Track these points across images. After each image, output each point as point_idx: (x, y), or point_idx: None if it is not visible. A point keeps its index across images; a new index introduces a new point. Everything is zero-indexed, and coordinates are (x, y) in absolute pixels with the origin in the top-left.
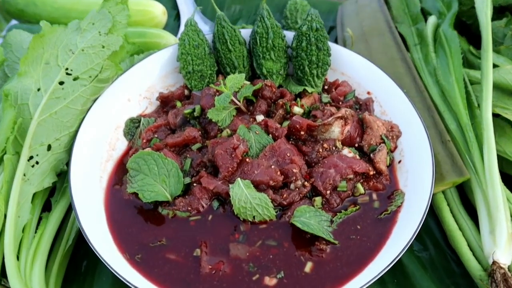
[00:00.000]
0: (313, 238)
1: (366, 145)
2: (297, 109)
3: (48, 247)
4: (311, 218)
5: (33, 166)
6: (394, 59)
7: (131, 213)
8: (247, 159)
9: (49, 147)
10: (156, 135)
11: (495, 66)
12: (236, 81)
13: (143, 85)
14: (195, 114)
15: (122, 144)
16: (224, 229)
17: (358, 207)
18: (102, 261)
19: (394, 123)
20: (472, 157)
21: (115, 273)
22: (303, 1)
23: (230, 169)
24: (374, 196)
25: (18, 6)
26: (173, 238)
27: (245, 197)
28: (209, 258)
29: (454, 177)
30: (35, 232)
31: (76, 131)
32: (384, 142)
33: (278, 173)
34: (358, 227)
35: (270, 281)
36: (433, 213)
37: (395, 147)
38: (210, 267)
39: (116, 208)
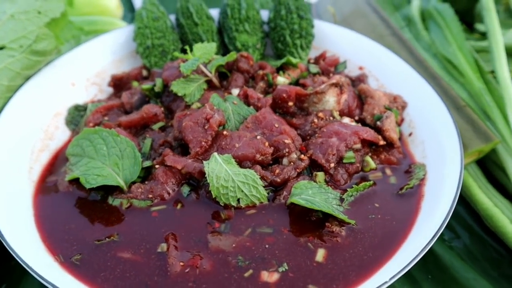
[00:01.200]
0: (319, 221)
1: (368, 116)
2: (281, 79)
3: None
4: (315, 195)
5: None
6: (383, 36)
7: (69, 208)
8: (225, 132)
9: None
10: (106, 118)
11: None
12: (206, 50)
13: (92, 68)
14: (156, 89)
15: (62, 134)
16: (198, 220)
17: (371, 182)
18: (23, 265)
19: (397, 94)
20: (494, 123)
21: (41, 280)
22: None
23: (203, 143)
24: (388, 171)
25: None
26: (128, 233)
27: (226, 173)
28: (180, 253)
29: (480, 144)
30: None
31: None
32: (390, 110)
33: (266, 144)
34: (376, 205)
35: (269, 276)
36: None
37: (402, 120)
38: (181, 264)
39: (49, 202)
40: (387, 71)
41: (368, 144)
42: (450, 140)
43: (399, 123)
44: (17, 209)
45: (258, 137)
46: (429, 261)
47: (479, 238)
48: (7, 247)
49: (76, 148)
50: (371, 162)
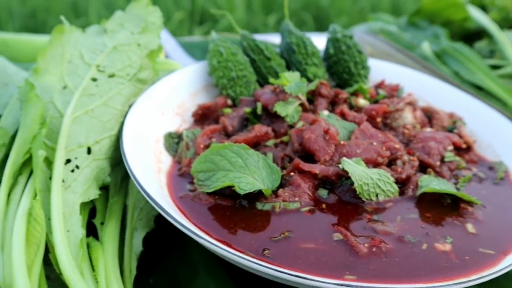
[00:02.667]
0: (450, 205)
1: (440, 129)
2: (362, 101)
3: (118, 273)
4: (440, 185)
5: (72, 171)
6: (414, 69)
7: (223, 215)
8: (342, 142)
9: (89, 150)
10: (214, 140)
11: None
12: (294, 77)
13: (175, 100)
14: (258, 112)
15: (166, 158)
16: (348, 214)
17: (471, 175)
18: (239, 259)
19: (451, 111)
20: None
21: (260, 267)
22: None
23: (329, 151)
24: (474, 169)
25: None
26: (295, 229)
27: (364, 173)
28: (357, 239)
29: None
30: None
31: (117, 136)
32: (457, 121)
33: (384, 148)
34: (484, 192)
35: (443, 246)
36: None
37: None
38: (366, 245)
39: (200, 214)
40: (434, 94)
41: (454, 148)
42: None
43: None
44: (184, 221)
45: (374, 143)
46: None
47: None
48: (224, 252)
49: (205, 164)
50: (462, 161)
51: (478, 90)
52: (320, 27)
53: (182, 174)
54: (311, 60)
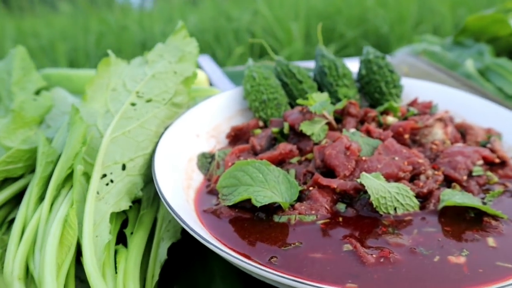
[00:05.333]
0: (474, 219)
1: (473, 144)
2: (391, 119)
3: (137, 278)
4: (463, 199)
5: (107, 184)
6: (454, 87)
7: (240, 227)
8: (363, 158)
9: (123, 167)
10: (242, 158)
11: None
12: (321, 98)
13: (210, 123)
14: (285, 131)
15: (198, 176)
16: (364, 227)
17: (501, 190)
18: (244, 264)
19: (489, 127)
20: None
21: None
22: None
23: (349, 167)
24: (509, 184)
25: (50, 81)
26: (307, 240)
27: (381, 187)
28: (367, 250)
29: None
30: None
31: (151, 155)
32: (491, 136)
33: (405, 163)
34: None
35: (457, 259)
36: None
37: None
38: (374, 256)
39: (219, 226)
40: (471, 110)
41: (486, 163)
42: None
43: None
44: (203, 232)
45: (396, 158)
46: None
47: None
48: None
49: (229, 180)
50: (494, 176)
51: None
52: None
53: (210, 191)
54: (342, 82)
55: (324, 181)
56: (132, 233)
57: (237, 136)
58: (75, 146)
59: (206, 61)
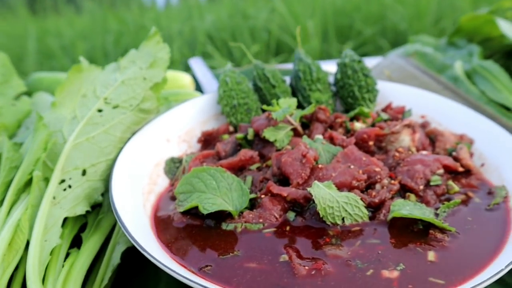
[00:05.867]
0: (421, 231)
1: (441, 151)
2: (358, 125)
3: (80, 279)
4: (413, 210)
5: (64, 189)
6: (437, 91)
7: (187, 234)
8: (320, 165)
9: (84, 172)
10: (205, 164)
11: None
12: (289, 104)
13: (183, 127)
14: (249, 137)
15: (163, 181)
16: (309, 237)
17: (459, 200)
18: (173, 275)
19: (463, 133)
20: None
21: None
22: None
23: (303, 175)
24: (471, 194)
25: (42, 85)
26: (248, 249)
27: (330, 196)
28: (302, 261)
29: None
30: (63, 265)
31: (114, 160)
32: (460, 143)
33: (360, 172)
34: (469, 218)
35: (390, 273)
36: None
37: (471, 154)
38: (306, 268)
39: (168, 232)
40: (448, 115)
41: (448, 172)
42: None
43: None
44: (149, 239)
45: (352, 166)
46: None
47: None
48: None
49: (185, 186)
50: (454, 186)
51: (507, 110)
52: None
53: (172, 196)
54: (315, 86)
55: (276, 189)
56: (88, 237)
57: (207, 141)
58: (37, 152)
59: (197, 63)
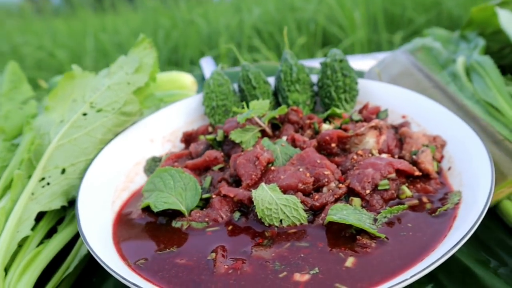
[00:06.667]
0: (353, 236)
1: (407, 154)
2: (325, 126)
3: (41, 266)
4: (349, 215)
5: (43, 187)
6: (426, 89)
7: (140, 230)
8: (272, 167)
9: (63, 171)
10: (177, 164)
11: None
12: (261, 106)
13: (168, 128)
14: (218, 139)
15: (141, 179)
16: (245, 237)
17: (405, 205)
18: (103, 265)
19: (437, 135)
20: None
21: (119, 278)
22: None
23: (253, 176)
24: (425, 199)
25: None
26: (185, 246)
27: (270, 198)
28: (227, 260)
29: None
30: None
31: (93, 158)
32: (426, 146)
33: (308, 175)
34: (409, 225)
35: (301, 277)
36: (505, 226)
37: (442, 157)
38: (226, 267)
39: (124, 226)
40: (427, 116)
41: (406, 176)
42: (483, 168)
43: (438, 160)
44: (100, 229)
45: (301, 169)
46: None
47: None
48: (92, 253)
49: (150, 185)
50: (407, 190)
51: (490, 107)
52: None
53: None
54: (294, 87)
55: (225, 190)
56: (63, 228)
57: (187, 141)
58: (22, 153)
59: (207, 63)
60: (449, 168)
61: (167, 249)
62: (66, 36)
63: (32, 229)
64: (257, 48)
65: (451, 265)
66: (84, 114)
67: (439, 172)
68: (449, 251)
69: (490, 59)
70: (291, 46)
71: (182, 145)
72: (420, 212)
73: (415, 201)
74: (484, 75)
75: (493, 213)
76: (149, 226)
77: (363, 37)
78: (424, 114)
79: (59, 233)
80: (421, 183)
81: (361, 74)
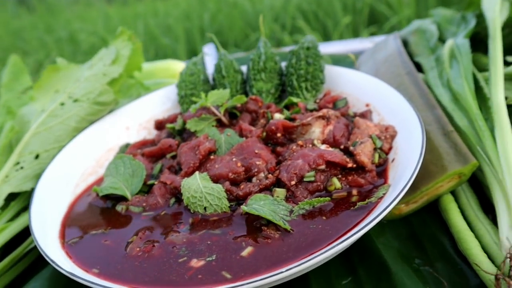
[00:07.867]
0: (261, 226)
1: (351, 145)
2: (277, 116)
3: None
4: (265, 206)
5: (17, 170)
6: (400, 75)
7: (89, 212)
8: (212, 156)
9: (37, 156)
10: (139, 151)
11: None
12: (220, 95)
13: (144, 116)
14: (177, 127)
15: None
16: (171, 223)
17: (327, 198)
18: (33, 238)
19: (390, 124)
20: (484, 146)
21: (42, 253)
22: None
23: (191, 164)
24: (354, 191)
25: None
26: (117, 228)
27: (197, 186)
28: (142, 243)
29: (458, 166)
30: None
31: (64, 145)
32: (368, 137)
33: (239, 164)
34: (324, 218)
35: (196, 263)
36: (443, 222)
37: (390, 148)
38: (138, 249)
39: (79, 208)
40: (386, 104)
41: (340, 168)
42: (411, 161)
43: (386, 151)
44: (56, 211)
45: (234, 159)
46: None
47: (454, 265)
48: (31, 231)
49: (107, 170)
50: (337, 182)
51: (455, 99)
52: None
53: None
54: (259, 76)
55: (163, 177)
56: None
57: (159, 129)
58: (2, 140)
59: (210, 50)
60: (393, 160)
61: (100, 230)
62: (118, 22)
63: (2, 208)
64: (300, 29)
65: (372, 259)
66: (62, 104)
67: (383, 164)
68: (329, 249)
69: (467, 43)
70: (336, 25)
71: (156, 132)
72: (343, 205)
73: (344, 193)
74: (460, 60)
75: (435, 208)
76: (97, 209)
77: (411, 15)
78: (384, 103)
79: (22, 215)
80: (353, 175)
81: (318, 55)
